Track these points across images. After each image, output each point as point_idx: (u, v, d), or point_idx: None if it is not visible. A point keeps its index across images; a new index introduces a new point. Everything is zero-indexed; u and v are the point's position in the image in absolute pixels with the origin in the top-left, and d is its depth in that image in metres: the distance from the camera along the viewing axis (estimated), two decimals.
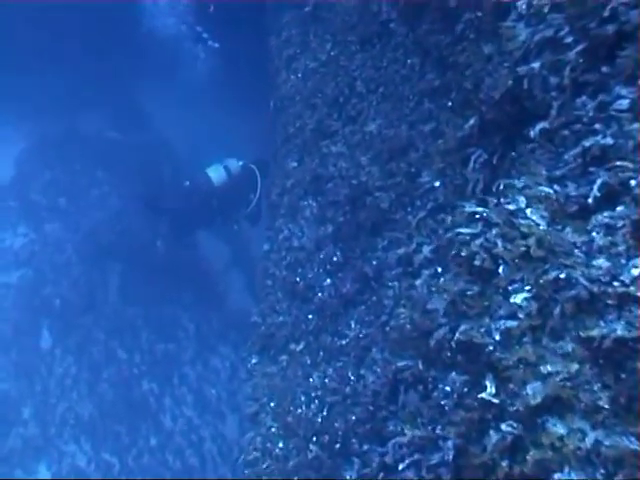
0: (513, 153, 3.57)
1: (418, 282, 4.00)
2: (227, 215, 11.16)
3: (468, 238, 2.98)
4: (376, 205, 5.21)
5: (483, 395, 2.71)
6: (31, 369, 12.59)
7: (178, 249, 14.29)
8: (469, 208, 3.08)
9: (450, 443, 2.92)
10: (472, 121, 3.69)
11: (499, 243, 2.78)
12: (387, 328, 4.42)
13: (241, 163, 10.90)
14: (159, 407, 12.47)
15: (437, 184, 4.21)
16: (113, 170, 15.33)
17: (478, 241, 2.89)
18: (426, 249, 4.08)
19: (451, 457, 2.89)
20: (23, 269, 13.66)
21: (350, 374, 5.34)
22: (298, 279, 6.01)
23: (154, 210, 11.55)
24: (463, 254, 3.00)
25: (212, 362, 13.21)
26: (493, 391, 2.65)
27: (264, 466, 5.21)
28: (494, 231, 2.84)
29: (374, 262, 5.27)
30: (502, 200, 2.92)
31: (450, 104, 4.56)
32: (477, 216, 3.00)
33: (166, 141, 16.59)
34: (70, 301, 13.16)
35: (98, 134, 16.35)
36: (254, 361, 6.47)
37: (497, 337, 2.68)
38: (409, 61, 5.36)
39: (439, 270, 3.95)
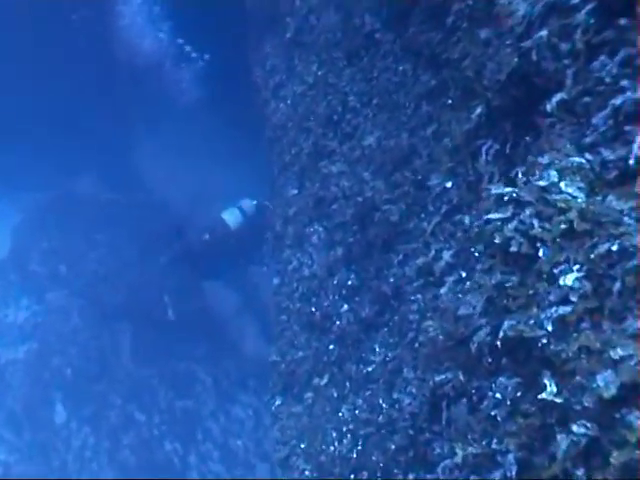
0: (527, 138, 3.32)
1: (443, 291, 3.70)
2: (249, 256, 11.02)
3: (499, 224, 2.69)
4: (385, 219, 4.93)
5: (542, 396, 2.38)
6: (47, 446, 12.18)
7: (186, 301, 14.02)
8: (496, 190, 2.80)
9: (510, 457, 2.57)
10: (478, 110, 3.44)
11: (535, 223, 2.49)
12: (416, 344, 4.10)
13: (255, 202, 10.73)
14: (184, 466, 12.00)
15: (449, 185, 3.94)
16: (111, 232, 15.11)
17: (511, 225, 2.60)
18: (446, 254, 3.79)
19: (514, 473, 2.55)
20: (28, 342, 13.34)
21: (382, 401, 5.00)
22: (314, 309, 5.70)
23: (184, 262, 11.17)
24: (496, 241, 2.70)
25: (234, 412, 12.78)
26: (554, 389, 2.33)
27: None
28: (528, 211, 2.55)
29: (391, 279, 4.97)
30: (530, 178, 2.64)
31: (450, 101, 4.32)
32: (506, 198, 2.71)
33: (163, 198, 16.42)
34: (81, 369, 12.81)
35: (94, 197, 16.21)
36: (278, 402, 6.13)
37: (550, 327, 2.37)
38: (400, 67, 5.14)
39: (463, 275, 3.65)
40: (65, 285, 14.14)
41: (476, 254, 3.59)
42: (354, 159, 5.50)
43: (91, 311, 13.60)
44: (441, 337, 3.42)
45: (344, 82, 5.75)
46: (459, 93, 3.94)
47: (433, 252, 3.98)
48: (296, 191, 6.31)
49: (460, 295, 3.54)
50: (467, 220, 3.71)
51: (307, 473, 5.40)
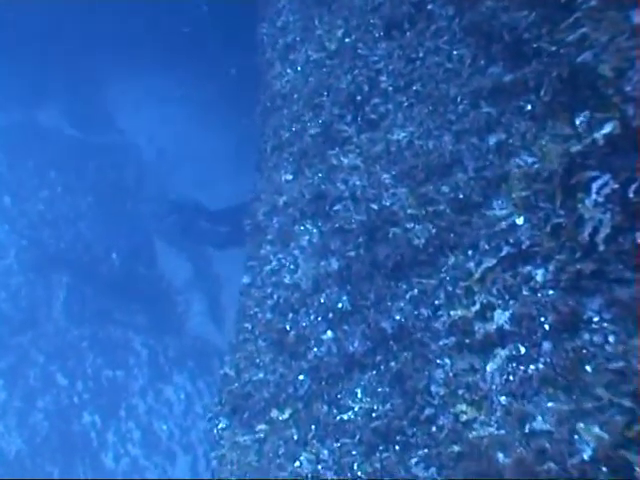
0: None
1: (490, 367, 2.65)
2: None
3: None
4: (405, 239, 3.85)
5: None
6: None
7: (135, 264, 12.82)
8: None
9: None
10: (607, 128, 2.36)
11: None
12: (433, 428, 3.04)
13: None
14: (100, 444, 10.84)
15: (519, 221, 2.87)
16: (69, 172, 13.72)
17: None
18: (501, 316, 2.74)
19: None
20: None
21: (354, 464, 3.97)
22: (288, 327, 4.61)
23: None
24: None
25: (165, 393, 11.64)
26: None
27: None
28: None
29: (396, 316, 3.91)
30: None
31: (530, 107, 3.25)
32: None
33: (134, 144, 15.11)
34: (5, 315, 11.50)
35: (56, 130, 14.77)
36: (222, 425, 5.04)
37: None
38: (455, 52, 4.04)
39: (522, 351, 2.61)
40: (6, 219, 12.73)
41: (546, 326, 2.56)
42: (374, 155, 4.40)
43: (29, 254, 12.25)
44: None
45: (377, 57, 4.62)
46: (562, 99, 2.86)
47: (478, 306, 2.92)
48: (291, 177, 5.19)
49: (516, 387, 2.50)
50: (540, 276, 2.65)
51: None
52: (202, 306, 13.36)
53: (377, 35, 4.70)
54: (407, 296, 3.85)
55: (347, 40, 4.99)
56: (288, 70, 5.92)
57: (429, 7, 4.39)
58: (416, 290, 3.80)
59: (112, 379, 11.39)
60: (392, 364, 3.94)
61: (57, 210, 12.81)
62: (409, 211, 3.86)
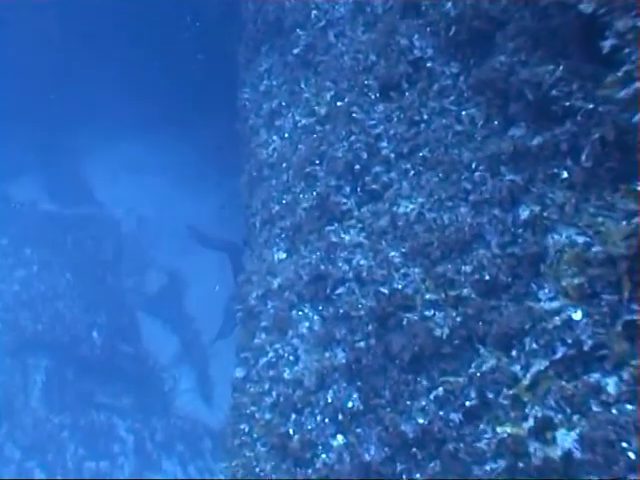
0: None
1: None
2: None
3: None
4: (424, 329, 3.33)
5: None
6: None
7: (118, 342, 12.15)
8: None
9: None
10: None
11: None
12: None
13: None
14: None
15: (577, 316, 2.35)
16: (46, 249, 13.11)
17: None
18: (566, 437, 2.19)
19: None
20: None
21: None
22: (291, 430, 4.02)
23: None
24: None
25: None
26: None
27: None
28: None
29: (418, 418, 3.35)
30: None
31: (566, 175, 2.78)
32: None
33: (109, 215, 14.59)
34: None
35: (31, 204, 14.23)
36: None
37: None
38: (465, 113, 3.60)
39: None
40: None
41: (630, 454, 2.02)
42: (378, 230, 3.90)
43: (5, 338, 11.53)
44: None
45: (375, 120, 4.17)
46: (609, 164, 2.39)
47: (532, 422, 2.38)
48: (284, 255, 4.68)
49: None
50: (613, 387, 2.13)
51: None
52: (190, 382, 12.62)
53: (373, 97, 4.27)
54: (431, 395, 3.30)
55: (339, 104, 4.55)
56: (274, 137, 5.49)
57: (428, 65, 3.98)
58: (441, 389, 3.26)
59: (95, 471, 10.55)
60: (417, 476, 3.37)
61: (34, 290, 12.14)
62: (427, 296, 3.34)
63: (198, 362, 12.72)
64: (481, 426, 2.80)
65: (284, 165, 5.16)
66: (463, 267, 3.30)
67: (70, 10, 11.89)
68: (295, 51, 5.49)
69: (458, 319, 3.17)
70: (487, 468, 2.69)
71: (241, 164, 6.47)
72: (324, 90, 4.90)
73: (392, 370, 3.62)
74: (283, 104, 5.50)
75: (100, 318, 12.13)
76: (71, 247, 13.43)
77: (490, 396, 2.81)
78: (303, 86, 5.29)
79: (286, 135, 5.30)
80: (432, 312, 3.31)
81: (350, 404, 3.76)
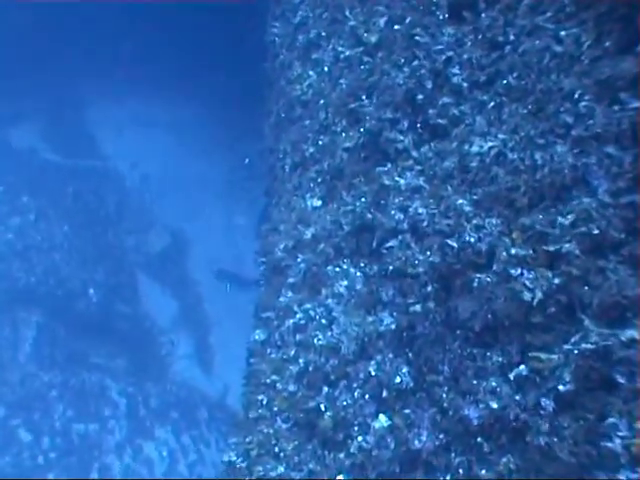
0: None
1: None
2: None
3: None
4: (509, 293, 2.66)
5: None
6: None
7: (115, 300, 11.54)
8: None
9: None
10: None
11: None
12: None
13: None
14: None
15: None
16: (44, 198, 12.43)
17: None
18: None
19: None
20: None
21: None
22: (322, 406, 3.37)
23: None
24: None
25: (145, 450, 10.22)
26: None
27: None
28: None
29: (490, 402, 2.70)
30: None
31: None
32: None
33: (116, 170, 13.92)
34: None
35: (31, 152, 13.53)
36: None
37: None
38: (564, 33, 2.90)
39: None
40: None
41: None
42: (442, 173, 3.22)
43: None
44: None
45: (442, 44, 3.47)
46: None
47: None
48: (319, 202, 3.99)
49: None
50: None
51: None
52: (189, 348, 12.04)
53: (441, 17, 3.56)
54: (509, 374, 2.64)
55: (397, 27, 3.84)
56: (310, 72, 4.78)
57: None
58: (523, 367, 2.60)
59: (84, 434, 9.97)
60: (482, 472, 2.73)
61: (29, 239, 11.46)
62: (513, 251, 2.67)
63: (198, 328, 12.14)
64: (610, 419, 2.14)
65: (321, 102, 4.47)
66: (559, 218, 2.63)
67: None
68: None
69: (556, 281, 2.50)
70: (622, 478, 2.03)
71: (266, 107, 5.79)
72: (375, 15, 4.19)
73: (454, 341, 2.97)
74: (323, 34, 4.78)
75: (98, 275, 11.51)
76: (71, 199, 12.78)
77: (621, 380, 2.15)
78: (348, 14, 4.56)
79: (325, 69, 4.60)
80: (518, 271, 2.64)
81: (398, 379, 3.11)
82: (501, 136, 3.01)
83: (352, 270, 3.52)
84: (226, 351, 11.39)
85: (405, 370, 3.11)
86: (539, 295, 2.52)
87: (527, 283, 2.59)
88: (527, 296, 2.57)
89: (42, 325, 10.88)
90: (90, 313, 11.22)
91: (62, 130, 14.06)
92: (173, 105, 14.20)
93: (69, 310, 11.11)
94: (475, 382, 2.84)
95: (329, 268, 3.66)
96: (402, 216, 3.30)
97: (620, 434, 2.08)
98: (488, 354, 2.83)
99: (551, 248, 2.57)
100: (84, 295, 11.21)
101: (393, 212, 3.35)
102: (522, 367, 2.61)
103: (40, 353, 10.59)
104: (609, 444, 2.10)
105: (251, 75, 6.97)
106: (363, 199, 3.58)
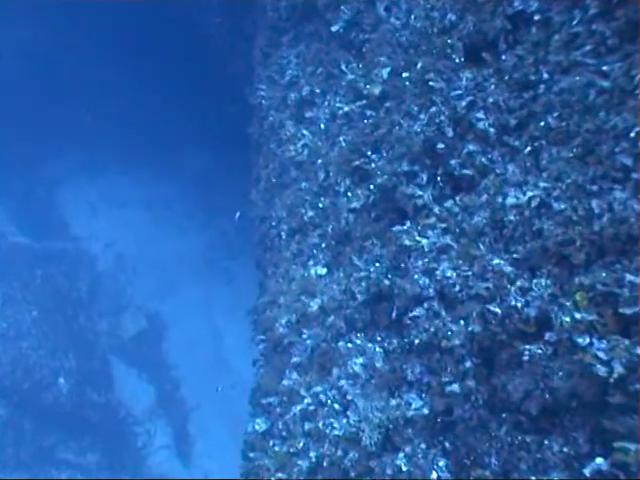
0: None
1: None
2: None
3: None
4: (578, 367, 2.19)
5: None
6: None
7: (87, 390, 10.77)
8: None
9: None
10: None
11: None
12: None
13: None
14: None
15: None
16: (11, 283, 11.80)
17: None
18: None
19: None
20: None
21: None
22: None
23: None
24: None
25: None
26: None
27: None
28: None
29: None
30: None
31: None
32: None
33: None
34: None
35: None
36: None
37: None
38: (606, 68, 2.57)
39: None
40: None
41: None
42: (472, 230, 2.80)
43: None
44: None
45: (461, 89, 3.12)
46: None
47: None
48: (324, 270, 3.53)
49: None
50: None
51: None
52: (166, 438, 11.21)
53: (457, 61, 3.23)
54: (585, 469, 2.14)
55: (405, 75, 3.50)
56: (304, 131, 4.41)
57: (536, 18, 2.96)
58: (602, 461, 2.11)
59: None
60: None
61: None
62: (577, 315, 2.22)
63: (176, 415, 11.35)
64: None
65: (319, 162, 4.09)
66: (628, 275, 2.20)
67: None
68: (333, 28, 4.46)
69: (637, 351, 2.04)
70: None
71: (253, 174, 5.40)
72: (377, 67, 3.87)
73: (500, 426, 2.47)
74: (317, 91, 4.45)
75: (68, 362, 10.75)
76: (40, 283, 12.13)
77: None
78: (344, 68, 4.25)
79: (322, 126, 4.24)
80: (586, 340, 2.18)
81: (434, 475, 2.58)
82: (542, 184, 2.61)
83: (369, 345, 3.04)
84: (206, 438, 10.63)
85: (442, 463, 2.59)
86: (619, 369, 2.06)
87: (600, 355, 2.13)
88: (601, 370, 2.10)
89: (6, 421, 10.03)
90: (59, 404, 10.41)
91: (32, 210, 13.56)
92: (146, 183, 13.85)
93: (36, 402, 10.29)
94: (533, 478, 2.32)
95: (341, 344, 3.17)
96: (427, 280, 2.85)
97: None
98: (546, 442, 2.33)
99: (626, 311, 2.12)
100: (53, 385, 10.42)
101: (416, 276, 2.90)
102: (599, 460, 2.11)
103: (3, 452, 9.72)
104: None
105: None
106: (378, 263, 3.13)
